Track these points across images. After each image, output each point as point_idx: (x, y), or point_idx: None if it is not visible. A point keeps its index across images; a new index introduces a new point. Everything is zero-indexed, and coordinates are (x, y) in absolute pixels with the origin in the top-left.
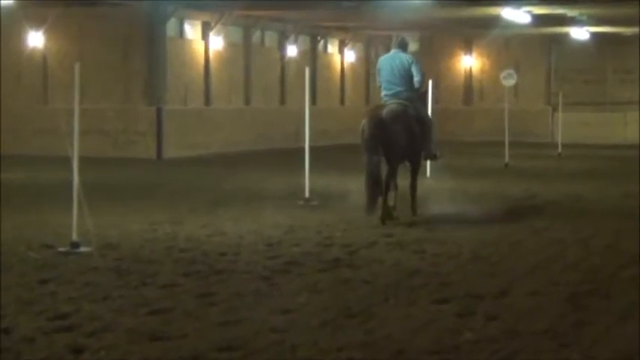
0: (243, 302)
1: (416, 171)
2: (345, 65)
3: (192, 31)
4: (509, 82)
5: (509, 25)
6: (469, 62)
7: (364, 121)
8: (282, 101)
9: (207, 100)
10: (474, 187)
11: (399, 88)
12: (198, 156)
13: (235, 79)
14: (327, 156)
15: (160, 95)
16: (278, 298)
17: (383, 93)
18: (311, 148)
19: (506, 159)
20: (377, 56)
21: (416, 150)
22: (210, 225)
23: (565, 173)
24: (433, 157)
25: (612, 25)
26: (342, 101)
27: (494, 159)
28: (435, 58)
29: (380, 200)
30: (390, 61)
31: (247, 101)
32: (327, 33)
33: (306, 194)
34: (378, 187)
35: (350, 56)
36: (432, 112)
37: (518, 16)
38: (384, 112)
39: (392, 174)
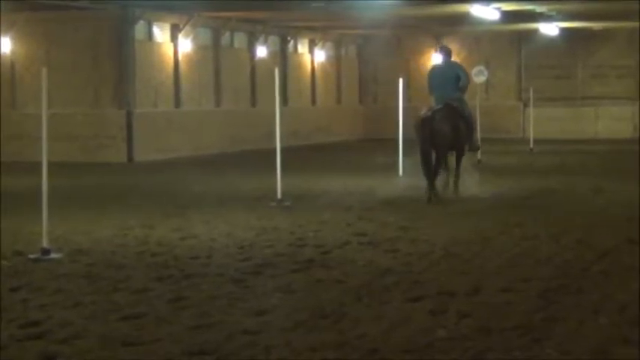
0: (216, 305)
1: (460, 159)
2: (316, 65)
3: (160, 33)
4: (480, 79)
5: (479, 21)
6: (439, 60)
7: (420, 115)
8: (253, 102)
9: (178, 103)
10: (448, 184)
11: (446, 91)
12: (169, 159)
13: (205, 81)
14: (299, 156)
15: (130, 99)
16: (251, 301)
17: (434, 94)
18: (283, 149)
19: (479, 155)
20: (347, 55)
21: (461, 142)
22: (181, 228)
23: (537, 169)
24: (477, 148)
25: (582, 20)
26: (314, 101)
27: (466, 156)
28: (404, 56)
29: (432, 188)
30: (439, 67)
31: (218, 103)
32: (296, 33)
33: (279, 195)
34: (431, 172)
35: (320, 56)
36: (404, 111)
37: (487, 12)
38: (435, 112)
39: (439, 162)
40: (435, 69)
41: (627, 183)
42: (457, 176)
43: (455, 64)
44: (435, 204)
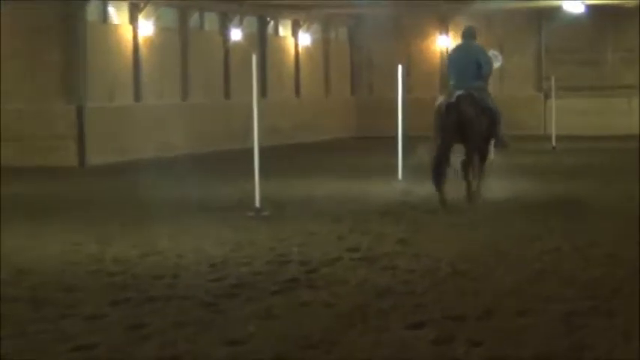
0: (182, 334)
1: (484, 157)
2: (300, 50)
3: (117, 14)
4: (494, 65)
5: None
6: (445, 43)
7: (442, 106)
8: (227, 94)
9: (137, 96)
10: (453, 190)
11: (467, 78)
12: (128, 162)
13: (170, 70)
14: (280, 158)
15: (81, 91)
16: (224, 328)
17: (451, 82)
18: (262, 149)
19: (492, 155)
20: (337, 38)
21: (475, 135)
22: (142, 243)
23: (560, 170)
24: (505, 145)
25: None
26: (298, 92)
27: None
28: (405, 39)
29: (446, 182)
30: (461, 51)
31: (185, 96)
32: (277, 13)
33: (257, 204)
34: (442, 172)
35: (305, 39)
36: (403, 103)
37: None
38: (459, 97)
39: (471, 157)
40: (456, 52)
41: None
42: (480, 179)
43: (478, 47)
44: (443, 212)
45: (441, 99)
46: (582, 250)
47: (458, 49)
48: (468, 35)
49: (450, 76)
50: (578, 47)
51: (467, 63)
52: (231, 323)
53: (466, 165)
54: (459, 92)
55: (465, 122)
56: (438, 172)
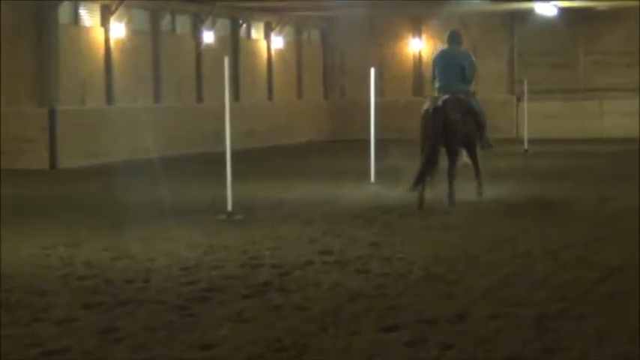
0: (154, 338)
1: (476, 158)
2: (273, 53)
3: (89, 16)
4: None
5: (464, 1)
6: (418, 46)
7: (428, 110)
8: (199, 98)
9: (109, 99)
10: (426, 192)
11: (453, 82)
12: (100, 165)
13: (142, 73)
14: (253, 161)
15: (53, 94)
16: (196, 331)
17: (437, 85)
18: (234, 152)
19: (464, 158)
20: (309, 41)
21: (470, 139)
22: (114, 247)
23: (532, 173)
24: (489, 147)
25: None
26: (270, 96)
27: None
28: (378, 42)
29: (424, 183)
30: (445, 55)
31: (157, 98)
32: (249, 15)
33: (229, 207)
34: (429, 173)
35: (278, 42)
36: (376, 106)
37: None
38: (445, 101)
39: (454, 161)
40: (441, 55)
41: (637, 190)
42: (479, 178)
43: (463, 52)
44: (419, 213)
45: (427, 104)
46: (554, 253)
47: (443, 52)
48: (453, 39)
49: (436, 79)
50: (550, 50)
51: (452, 66)
52: (203, 327)
53: (451, 169)
54: (445, 96)
55: (450, 127)
56: (424, 175)
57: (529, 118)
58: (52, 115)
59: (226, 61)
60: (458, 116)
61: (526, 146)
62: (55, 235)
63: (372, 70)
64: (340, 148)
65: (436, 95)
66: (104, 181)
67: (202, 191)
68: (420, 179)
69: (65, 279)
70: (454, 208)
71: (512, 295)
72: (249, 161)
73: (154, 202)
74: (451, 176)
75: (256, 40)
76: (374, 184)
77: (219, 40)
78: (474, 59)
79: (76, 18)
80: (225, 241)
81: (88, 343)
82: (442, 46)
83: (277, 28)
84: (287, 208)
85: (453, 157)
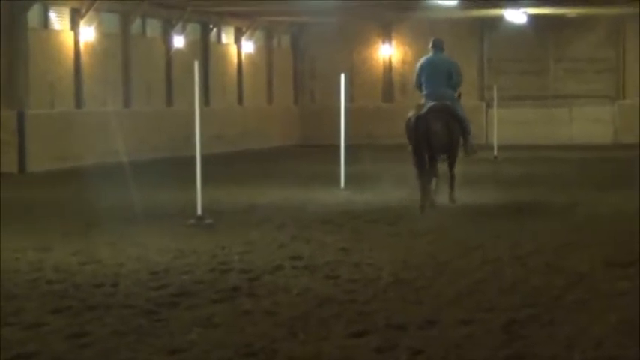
0: (123, 342)
1: (453, 164)
2: (243, 58)
3: (58, 20)
4: None
5: (434, 7)
6: (388, 52)
7: (410, 117)
8: (169, 102)
9: (79, 102)
10: (396, 199)
11: (438, 88)
12: (69, 169)
13: (112, 77)
14: (223, 165)
15: (21, 97)
16: (165, 336)
17: (424, 92)
18: (204, 157)
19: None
20: (280, 46)
21: (454, 145)
22: (83, 251)
23: (502, 180)
24: (474, 152)
25: (553, 6)
26: (240, 100)
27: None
28: (348, 48)
29: (426, 192)
30: (431, 62)
31: (127, 102)
32: (220, 20)
33: (198, 211)
34: (428, 181)
35: (248, 47)
36: (346, 112)
37: None
38: (429, 109)
39: (434, 166)
40: (426, 63)
41: (606, 196)
42: (452, 184)
43: (448, 59)
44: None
45: (412, 112)
46: (523, 259)
47: (428, 59)
48: (437, 47)
49: (422, 85)
50: (520, 57)
51: (439, 73)
52: (172, 331)
53: (429, 174)
54: (431, 103)
55: (431, 136)
56: (423, 179)
57: (499, 124)
58: (20, 118)
59: (196, 65)
60: (439, 125)
61: (495, 152)
62: (24, 239)
63: (342, 76)
64: (310, 153)
65: (423, 102)
66: (73, 185)
67: (172, 195)
68: (423, 186)
69: (34, 283)
70: (434, 211)
71: (482, 301)
72: (219, 166)
73: (124, 206)
74: (430, 179)
75: (226, 45)
76: (344, 190)
77: (189, 44)
78: (459, 66)
79: (45, 21)
80: (194, 246)
81: (57, 347)
82: (427, 53)
83: (248, 33)
84: (257, 212)
85: (433, 163)
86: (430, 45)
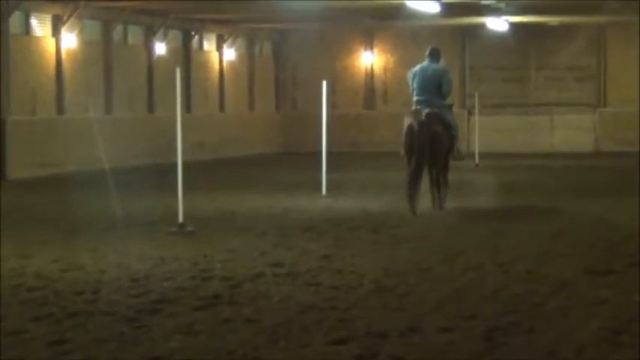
0: (104, 349)
1: (446, 169)
2: (225, 65)
3: (40, 26)
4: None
5: (416, 15)
6: (370, 59)
7: (411, 123)
8: (150, 109)
9: (60, 109)
10: (377, 206)
11: (430, 96)
12: (50, 176)
13: (93, 84)
14: (204, 173)
15: (3, 104)
16: (146, 344)
17: (415, 99)
18: (185, 164)
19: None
20: (261, 53)
21: (444, 151)
22: (64, 258)
23: (483, 188)
24: (461, 158)
25: (535, 14)
26: (222, 108)
27: (400, 172)
28: (330, 55)
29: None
30: (424, 70)
31: (108, 109)
32: (202, 27)
33: (180, 219)
34: (418, 187)
35: (230, 54)
36: (328, 119)
37: (425, 4)
38: (427, 116)
39: (438, 169)
40: (419, 71)
41: (587, 204)
42: (440, 190)
43: (439, 68)
44: (414, 219)
45: (409, 119)
46: (505, 267)
47: (422, 67)
48: (433, 55)
49: (414, 92)
50: (501, 65)
51: (431, 82)
52: (153, 339)
53: (433, 178)
54: (427, 110)
55: (435, 139)
56: (413, 187)
57: (480, 132)
58: (1, 125)
59: (178, 72)
60: (440, 128)
61: (477, 160)
62: (4, 246)
63: (324, 83)
64: (292, 161)
65: (415, 108)
66: (55, 192)
67: (153, 203)
68: (411, 193)
69: (15, 290)
70: (443, 212)
71: (463, 308)
72: (200, 173)
73: (105, 213)
74: (440, 184)
75: (208, 52)
76: (325, 197)
77: (171, 51)
78: (450, 76)
79: (27, 28)
80: (175, 253)
81: (38, 354)
82: (421, 61)
83: (229, 40)
84: (238, 220)
85: (439, 166)
86: (427, 53)
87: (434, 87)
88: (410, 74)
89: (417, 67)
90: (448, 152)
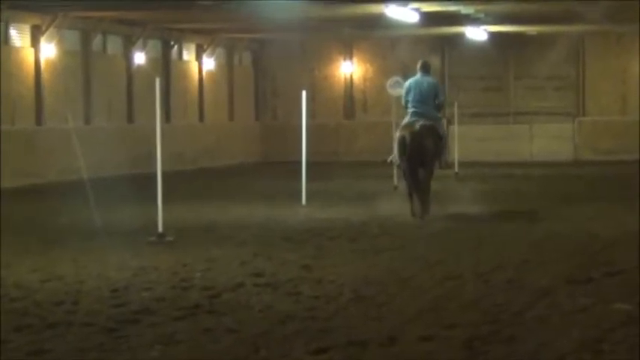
0: None
1: (430, 177)
2: (204, 74)
3: (19, 36)
4: (397, 92)
5: (395, 24)
6: (349, 69)
7: (403, 135)
8: (130, 119)
9: (39, 119)
10: (357, 215)
11: (424, 107)
12: (30, 186)
13: (73, 94)
14: (184, 182)
15: None
16: (126, 354)
17: (410, 110)
18: (165, 174)
19: (395, 181)
20: (241, 63)
21: (433, 159)
22: (43, 268)
23: (462, 196)
24: (447, 167)
25: (514, 24)
26: (202, 117)
27: (381, 181)
28: (309, 65)
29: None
30: (418, 83)
31: (88, 119)
32: (181, 37)
33: (160, 229)
34: (416, 188)
35: (209, 64)
36: (307, 129)
37: (404, 14)
38: (417, 128)
39: (427, 179)
40: (414, 84)
41: (566, 213)
42: (427, 199)
43: (434, 82)
44: (413, 220)
45: (401, 130)
46: (485, 276)
47: (416, 80)
48: (424, 69)
49: (409, 104)
50: (481, 74)
51: (425, 94)
52: (133, 349)
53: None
54: (421, 122)
55: (424, 150)
56: (416, 185)
57: (460, 141)
58: None
59: (157, 82)
60: (430, 140)
61: (456, 169)
62: None
63: (304, 93)
64: (272, 171)
65: (409, 120)
66: (34, 202)
67: (133, 213)
68: (412, 196)
69: None
70: (428, 216)
71: (443, 317)
72: (180, 183)
73: (84, 223)
74: (426, 190)
75: (188, 62)
76: (305, 207)
77: (150, 61)
78: (444, 88)
79: (6, 38)
80: (155, 263)
81: None
82: (414, 74)
83: (209, 50)
84: (218, 230)
85: (428, 174)
86: (418, 66)
87: (430, 99)
88: (404, 87)
89: (411, 81)
90: (435, 161)
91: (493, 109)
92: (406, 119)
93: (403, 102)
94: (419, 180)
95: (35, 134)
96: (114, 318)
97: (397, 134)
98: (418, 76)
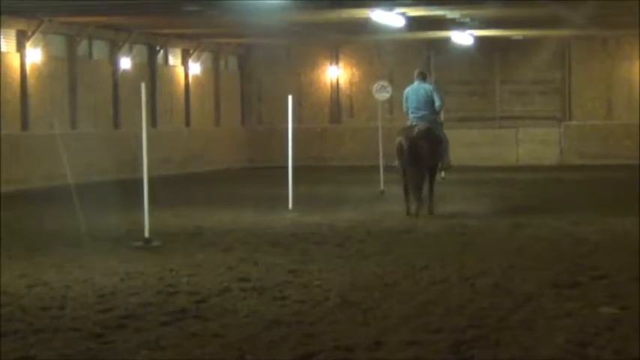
0: None
1: (433, 178)
2: (190, 79)
3: (4, 42)
4: (383, 96)
5: (381, 29)
6: (335, 73)
7: (400, 140)
8: (116, 124)
9: (25, 125)
10: (344, 220)
11: (423, 112)
12: (15, 191)
13: (58, 99)
14: (170, 188)
15: None
16: (112, 359)
17: (411, 116)
18: (151, 179)
19: (382, 186)
20: (227, 68)
21: (434, 161)
22: (29, 274)
23: (448, 201)
24: (450, 168)
25: (499, 28)
26: (188, 123)
27: (367, 186)
28: (295, 69)
29: (417, 201)
30: (416, 90)
31: (73, 125)
32: (167, 42)
33: (146, 234)
34: (419, 192)
35: (195, 69)
36: (294, 133)
37: (390, 18)
38: (416, 131)
39: (422, 178)
40: (413, 91)
41: (552, 217)
42: (431, 197)
43: (431, 87)
44: (411, 220)
45: (400, 136)
46: (470, 280)
47: (415, 87)
48: (420, 77)
49: (409, 110)
50: (466, 79)
51: (425, 100)
52: (120, 354)
53: (420, 186)
54: (418, 128)
55: (420, 154)
56: (413, 193)
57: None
58: None
59: (143, 87)
60: (426, 145)
61: (443, 174)
62: None
63: (290, 98)
64: (258, 175)
65: (409, 125)
66: (20, 208)
67: (119, 218)
68: (411, 198)
69: None
70: (424, 212)
71: (429, 322)
72: (166, 188)
73: (70, 228)
74: (431, 190)
75: (174, 67)
76: (292, 211)
77: (136, 66)
78: (441, 93)
79: None
80: (141, 268)
81: None
82: (412, 82)
83: (195, 55)
84: (204, 235)
85: (430, 176)
86: (415, 74)
87: (428, 104)
88: (403, 95)
89: (409, 89)
90: (436, 162)
91: (479, 113)
92: (406, 124)
93: (404, 109)
94: (417, 182)
95: (21, 139)
96: (100, 323)
97: (396, 139)
98: (415, 83)
